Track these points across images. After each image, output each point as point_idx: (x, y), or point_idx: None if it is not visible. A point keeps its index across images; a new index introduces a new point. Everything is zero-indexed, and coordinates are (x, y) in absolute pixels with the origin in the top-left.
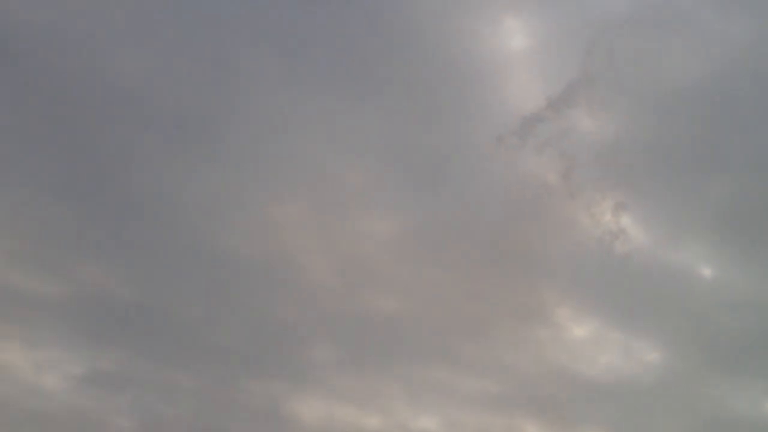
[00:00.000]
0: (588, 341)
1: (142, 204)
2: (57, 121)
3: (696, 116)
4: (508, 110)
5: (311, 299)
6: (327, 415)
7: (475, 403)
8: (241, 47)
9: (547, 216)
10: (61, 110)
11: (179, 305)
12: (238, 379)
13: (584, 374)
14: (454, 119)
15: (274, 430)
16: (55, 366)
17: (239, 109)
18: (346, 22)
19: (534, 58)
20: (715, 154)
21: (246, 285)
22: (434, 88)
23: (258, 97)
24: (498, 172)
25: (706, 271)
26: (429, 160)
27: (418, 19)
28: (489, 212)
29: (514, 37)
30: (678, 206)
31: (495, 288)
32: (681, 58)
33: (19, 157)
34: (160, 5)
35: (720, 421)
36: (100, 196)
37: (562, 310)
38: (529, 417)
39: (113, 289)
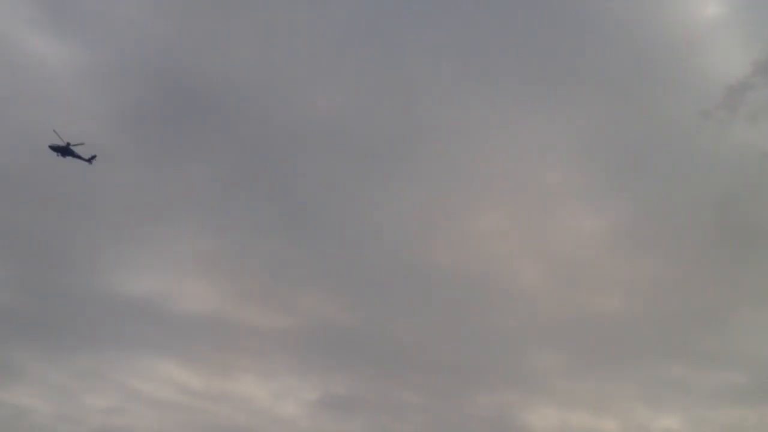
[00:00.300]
0: None
1: (349, 231)
2: (263, 166)
3: None
4: (711, 83)
5: (528, 305)
6: (561, 422)
7: (721, 398)
8: (423, 66)
9: None
10: (265, 155)
11: (398, 325)
12: (465, 393)
13: None
14: (651, 101)
15: None
16: (291, 394)
17: (429, 127)
18: (526, 21)
19: (732, 23)
20: None
21: (460, 298)
22: (626, 72)
23: (446, 111)
24: (709, 149)
25: None
26: (630, 147)
27: (599, 3)
28: (705, 192)
29: (708, 4)
30: None
31: (726, 272)
32: None
33: (237, 204)
34: (339, 40)
35: None
36: (310, 229)
37: None
38: None
39: (335, 315)
